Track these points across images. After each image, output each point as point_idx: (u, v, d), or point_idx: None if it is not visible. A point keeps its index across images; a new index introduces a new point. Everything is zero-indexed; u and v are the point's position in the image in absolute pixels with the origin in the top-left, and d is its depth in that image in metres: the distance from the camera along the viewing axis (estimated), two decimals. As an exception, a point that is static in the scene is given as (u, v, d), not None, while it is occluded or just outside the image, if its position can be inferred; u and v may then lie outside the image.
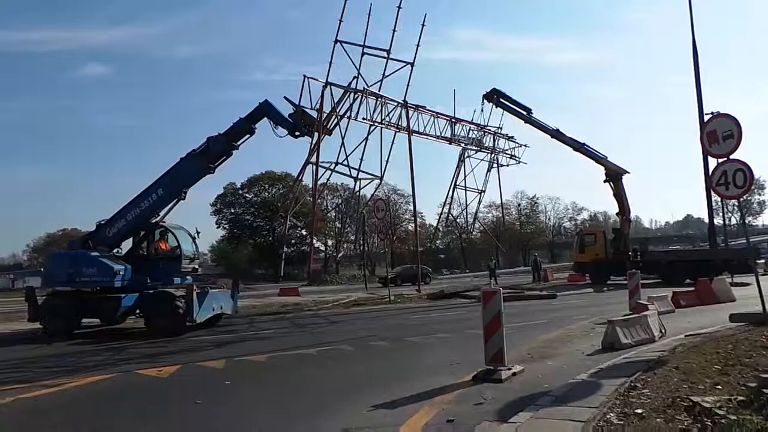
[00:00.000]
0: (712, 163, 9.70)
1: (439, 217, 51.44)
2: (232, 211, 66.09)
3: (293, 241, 60.88)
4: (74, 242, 17.16)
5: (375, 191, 44.29)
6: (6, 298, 32.29)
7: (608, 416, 4.95)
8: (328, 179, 39.26)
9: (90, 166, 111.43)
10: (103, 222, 16.03)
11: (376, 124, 31.85)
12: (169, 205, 16.08)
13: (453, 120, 39.48)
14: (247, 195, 65.74)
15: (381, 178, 35.19)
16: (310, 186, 44.84)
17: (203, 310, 14.57)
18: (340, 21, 29.43)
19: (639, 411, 4.98)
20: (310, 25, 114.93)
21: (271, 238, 54.18)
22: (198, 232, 17.08)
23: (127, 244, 16.42)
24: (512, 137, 44.75)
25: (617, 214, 30.18)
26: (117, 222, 15.81)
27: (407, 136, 28.72)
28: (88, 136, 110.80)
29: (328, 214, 56.34)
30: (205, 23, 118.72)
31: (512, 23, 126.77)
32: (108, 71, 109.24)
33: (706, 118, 9.88)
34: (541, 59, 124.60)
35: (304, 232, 66.28)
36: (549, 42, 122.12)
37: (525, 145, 45.76)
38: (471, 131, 41.86)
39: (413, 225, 70.24)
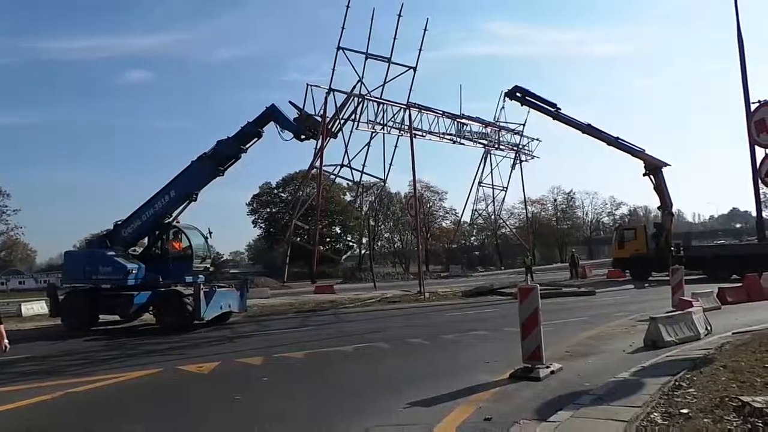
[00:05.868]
0: (760, 153, 9.31)
1: (461, 215, 51.74)
2: (268, 210, 67.32)
3: (327, 240, 61.62)
4: (93, 241, 17.92)
5: (381, 190, 44.52)
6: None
7: (652, 416, 4.81)
8: (333, 182, 39.71)
9: (134, 168, 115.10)
10: (120, 222, 16.67)
11: (377, 129, 32.17)
12: (181, 207, 16.62)
13: (458, 118, 39.32)
14: (282, 194, 66.76)
15: (384, 181, 35.66)
16: (330, 186, 45.49)
17: (210, 308, 15.01)
18: (342, 28, 29.82)
19: (685, 411, 4.81)
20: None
21: (306, 237, 55.36)
22: (210, 232, 17.59)
23: (142, 244, 17.08)
24: (520, 132, 44.51)
25: (659, 208, 29.32)
26: (132, 222, 16.46)
27: (409, 137, 29.00)
28: (114, 137, 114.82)
29: (363, 212, 56.91)
30: (242, 26, 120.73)
31: (545, 16, 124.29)
32: (150, 76, 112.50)
33: (752, 107, 9.47)
34: (572, 51, 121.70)
35: (338, 230, 66.96)
36: (587, 34, 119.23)
37: (537, 139, 45.64)
38: (490, 128, 41.83)
39: (447, 222, 70.54)
